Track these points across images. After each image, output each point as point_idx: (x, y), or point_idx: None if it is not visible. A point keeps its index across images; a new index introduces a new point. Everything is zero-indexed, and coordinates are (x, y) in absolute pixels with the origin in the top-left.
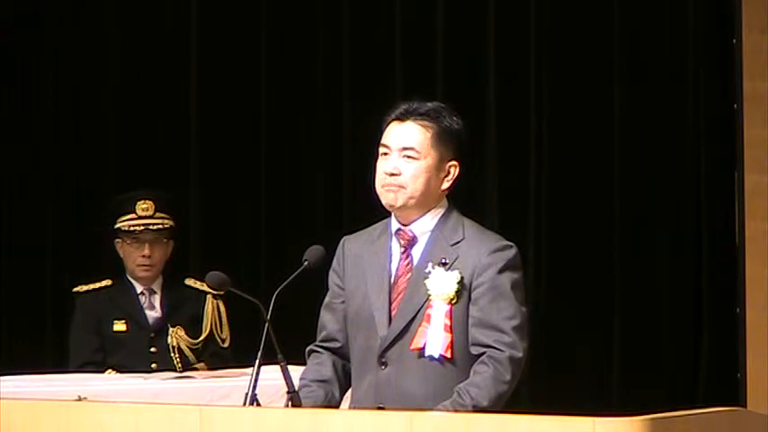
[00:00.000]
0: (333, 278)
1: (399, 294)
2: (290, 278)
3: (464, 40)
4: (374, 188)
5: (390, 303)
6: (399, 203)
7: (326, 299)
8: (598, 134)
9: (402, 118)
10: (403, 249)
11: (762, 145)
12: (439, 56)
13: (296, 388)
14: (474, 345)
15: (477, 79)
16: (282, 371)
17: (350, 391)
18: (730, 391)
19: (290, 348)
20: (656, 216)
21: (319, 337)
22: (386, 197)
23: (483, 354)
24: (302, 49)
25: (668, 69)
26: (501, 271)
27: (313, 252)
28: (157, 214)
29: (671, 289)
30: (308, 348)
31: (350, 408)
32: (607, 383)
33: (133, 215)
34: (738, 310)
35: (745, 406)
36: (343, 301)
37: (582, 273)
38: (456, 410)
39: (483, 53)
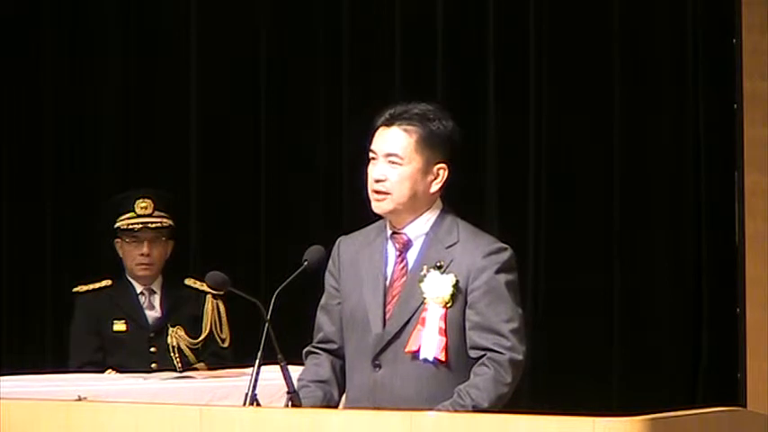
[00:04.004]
0: (328, 279)
1: (394, 297)
2: (290, 278)
3: (464, 40)
4: (366, 192)
5: (385, 306)
6: (387, 209)
7: (322, 300)
8: (598, 134)
9: (388, 123)
10: (398, 253)
11: (762, 145)
12: (439, 56)
13: (296, 388)
14: (473, 348)
15: (477, 79)
16: (282, 371)
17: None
18: (730, 391)
19: (290, 348)
20: (656, 216)
21: (316, 339)
22: (374, 206)
23: (482, 356)
24: (302, 49)
25: (668, 69)
26: (496, 273)
27: (313, 252)
28: (156, 213)
29: (671, 289)
30: (305, 350)
31: (343, 408)
32: (607, 383)
33: (132, 214)
34: (738, 310)
35: (745, 406)
36: (338, 303)
37: (582, 272)
38: (456, 411)
39: (483, 53)
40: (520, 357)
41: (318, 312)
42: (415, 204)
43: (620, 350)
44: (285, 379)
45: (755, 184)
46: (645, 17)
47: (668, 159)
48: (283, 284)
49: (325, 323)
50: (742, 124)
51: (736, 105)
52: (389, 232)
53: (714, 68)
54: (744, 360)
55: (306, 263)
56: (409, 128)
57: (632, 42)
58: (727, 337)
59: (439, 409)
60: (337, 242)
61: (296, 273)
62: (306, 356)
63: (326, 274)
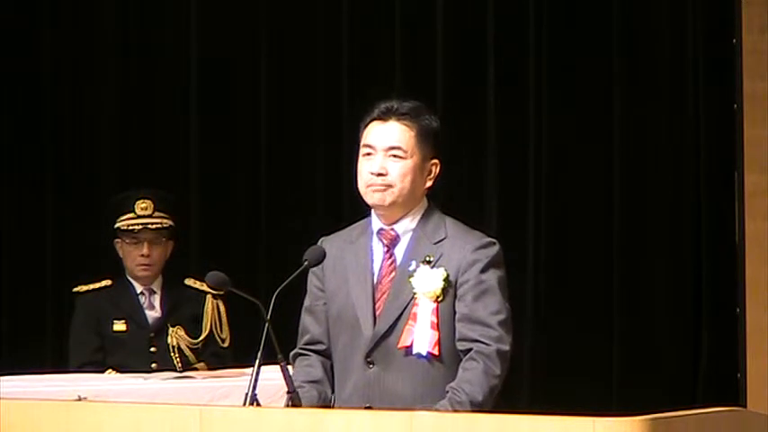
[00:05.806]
0: (311, 280)
1: (384, 294)
2: (290, 278)
3: (464, 40)
4: (356, 188)
5: (374, 303)
6: (387, 203)
7: (306, 302)
8: (598, 134)
9: (384, 117)
10: (386, 249)
11: (762, 145)
12: (439, 56)
13: (296, 388)
14: (460, 340)
15: (477, 79)
16: (282, 371)
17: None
18: (730, 391)
19: (290, 348)
20: (655, 216)
21: (303, 341)
22: (372, 197)
23: (470, 349)
24: (302, 49)
25: (668, 69)
26: (485, 268)
27: (313, 252)
28: (156, 213)
29: (671, 289)
30: (292, 353)
31: (336, 407)
32: (607, 383)
33: (132, 214)
34: (738, 310)
35: (745, 406)
36: (324, 303)
37: (582, 272)
38: (455, 409)
39: (483, 53)
40: (506, 348)
41: (303, 314)
42: (411, 200)
43: (620, 350)
44: (285, 379)
45: (755, 184)
46: (645, 17)
47: (668, 159)
48: (283, 284)
49: (311, 324)
50: (742, 124)
51: (736, 105)
52: (376, 228)
53: (714, 68)
54: (744, 360)
55: (306, 263)
56: (407, 123)
57: (632, 42)
58: (727, 337)
59: (438, 409)
60: (319, 242)
61: (296, 273)
62: (294, 359)
63: (309, 274)
